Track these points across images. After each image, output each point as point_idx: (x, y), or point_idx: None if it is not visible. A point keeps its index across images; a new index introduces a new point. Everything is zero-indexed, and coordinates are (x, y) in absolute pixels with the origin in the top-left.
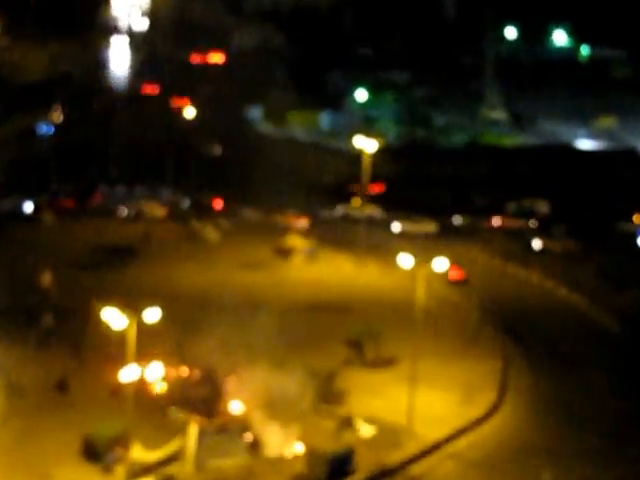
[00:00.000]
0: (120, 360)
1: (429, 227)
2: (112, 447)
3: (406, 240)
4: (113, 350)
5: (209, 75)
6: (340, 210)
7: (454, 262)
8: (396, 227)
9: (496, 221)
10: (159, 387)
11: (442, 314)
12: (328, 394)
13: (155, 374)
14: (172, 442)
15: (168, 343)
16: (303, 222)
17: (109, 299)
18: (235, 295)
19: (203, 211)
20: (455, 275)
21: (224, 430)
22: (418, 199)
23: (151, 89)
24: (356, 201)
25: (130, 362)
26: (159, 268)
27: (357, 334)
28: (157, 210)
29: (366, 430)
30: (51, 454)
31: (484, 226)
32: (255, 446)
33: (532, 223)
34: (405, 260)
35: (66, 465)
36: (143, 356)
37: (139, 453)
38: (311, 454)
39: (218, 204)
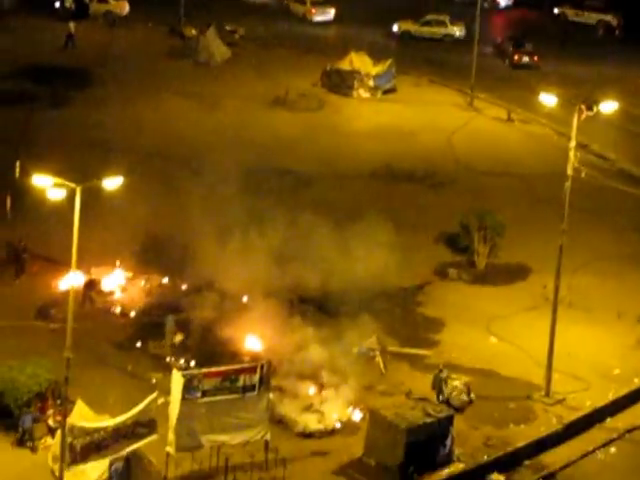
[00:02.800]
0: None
1: None
2: (34, 406)
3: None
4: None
5: None
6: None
7: None
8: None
9: None
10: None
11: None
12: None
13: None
14: (143, 402)
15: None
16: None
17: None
18: (257, 154)
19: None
20: None
21: (227, 379)
22: None
23: None
24: None
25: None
26: (131, 102)
27: (464, 223)
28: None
29: (460, 387)
30: None
31: None
32: (281, 414)
33: None
34: (548, 98)
35: None
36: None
37: (83, 418)
38: (377, 423)
39: None
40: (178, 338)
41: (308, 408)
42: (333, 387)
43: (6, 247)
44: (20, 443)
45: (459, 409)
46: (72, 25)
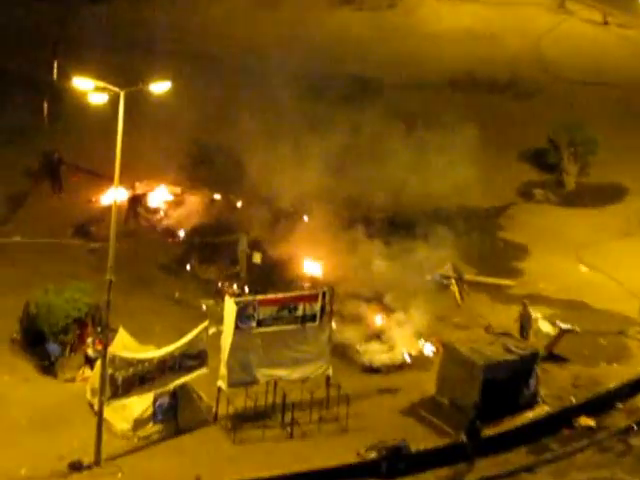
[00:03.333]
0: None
1: None
2: (72, 333)
3: None
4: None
5: None
6: None
7: None
8: None
9: None
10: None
11: None
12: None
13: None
14: (192, 332)
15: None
16: None
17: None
18: (320, 57)
19: None
20: None
21: (285, 307)
22: None
23: None
24: None
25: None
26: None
27: (552, 138)
28: None
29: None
30: None
31: None
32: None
33: None
34: None
35: None
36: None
37: (126, 348)
38: (451, 358)
39: None
40: (257, 258)
41: (374, 339)
42: (402, 316)
43: (41, 159)
44: (46, 371)
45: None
46: None
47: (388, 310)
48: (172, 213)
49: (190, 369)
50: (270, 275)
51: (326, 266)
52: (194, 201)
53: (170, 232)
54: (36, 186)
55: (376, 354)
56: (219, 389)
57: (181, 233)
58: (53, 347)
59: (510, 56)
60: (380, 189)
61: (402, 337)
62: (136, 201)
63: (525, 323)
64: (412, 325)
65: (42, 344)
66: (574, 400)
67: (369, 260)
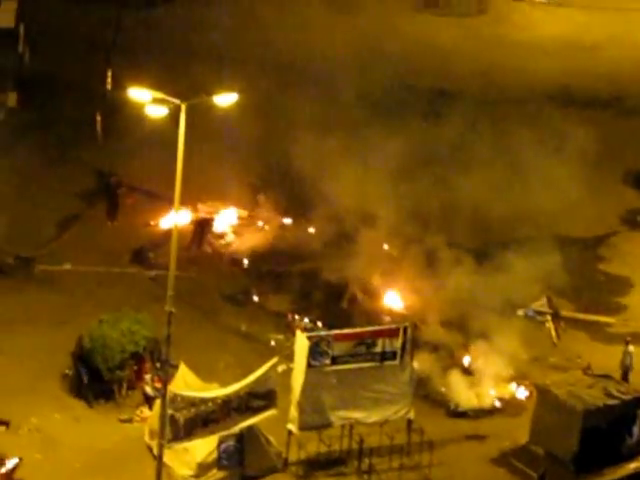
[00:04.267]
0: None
1: None
2: (129, 369)
3: None
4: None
5: None
6: None
7: None
8: None
9: None
10: None
11: None
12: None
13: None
14: (260, 369)
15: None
16: None
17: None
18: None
19: None
20: None
21: (362, 343)
22: None
23: None
24: None
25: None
26: (243, 2)
27: None
28: None
29: None
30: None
31: None
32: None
33: None
34: None
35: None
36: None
37: (187, 386)
38: (547, 403)
39: None
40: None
41: (461, 381)
42: (493, 356)
43: (98, 182)
44: (102, 410)
45: None
46: None
47: (477, 349)
48: (239, 238)
49: (257, 410)
50: (347, 307)
51: (408, 299)
52: (263, 226)
53: (236, 259)
54: (91, 209)
55: (464, 397)
56: (289, 432)
57: (247, 261)
58: (83, 370)
59: (613, 68)
60: (467, 212)
61: (492, 379)
62: (203, 225)
63: (628, 364)
64: (503, 366)
65: (101, 381)
66: None
67: (455, 292)
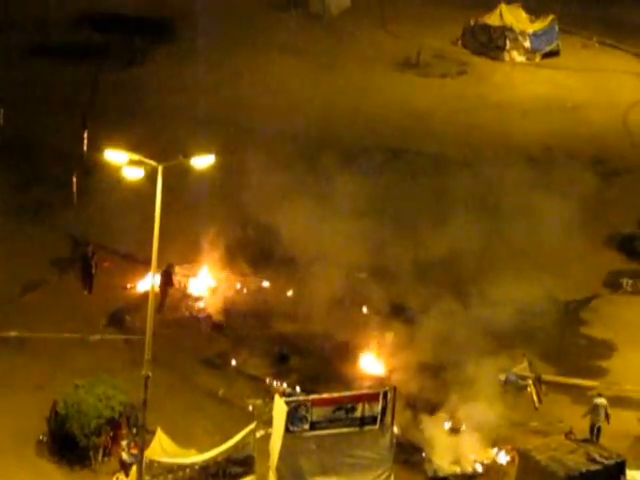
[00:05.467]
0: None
1: None
2: (105, 435)
3: None
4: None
5: None
6: None
7: None
8: None
9: None
10: None
11: None
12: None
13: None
14: (238, 434)
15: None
16: None
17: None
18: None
19: None
20: None
21: (341, 408)
22: None
23: None
24: None
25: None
26: (224, 62)
27: None
28: None
29: None
30: None
31: None
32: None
33: None
34: None
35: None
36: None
37: (164, 452)
38: (529, 469)
39: None
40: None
41: (442, 445)
42: (473, 421)
43: (73, 250)
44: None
45: None
46: None
47: (457, 415)
48: (215, 301)
49: (236, 477)
50: (325, 371)
51: (388, 363)
52: (240, 288)
53: (216, 323)
54: (65, 274)
55: (444, 462)
56: None
57: (225, 324)
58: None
59: (595, 130)
60: (442, 280)
61: (473, 444)
62: (167, 275)
63: (594, 420)
64: (484, 431)
65: (77, 448)
66: None
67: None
